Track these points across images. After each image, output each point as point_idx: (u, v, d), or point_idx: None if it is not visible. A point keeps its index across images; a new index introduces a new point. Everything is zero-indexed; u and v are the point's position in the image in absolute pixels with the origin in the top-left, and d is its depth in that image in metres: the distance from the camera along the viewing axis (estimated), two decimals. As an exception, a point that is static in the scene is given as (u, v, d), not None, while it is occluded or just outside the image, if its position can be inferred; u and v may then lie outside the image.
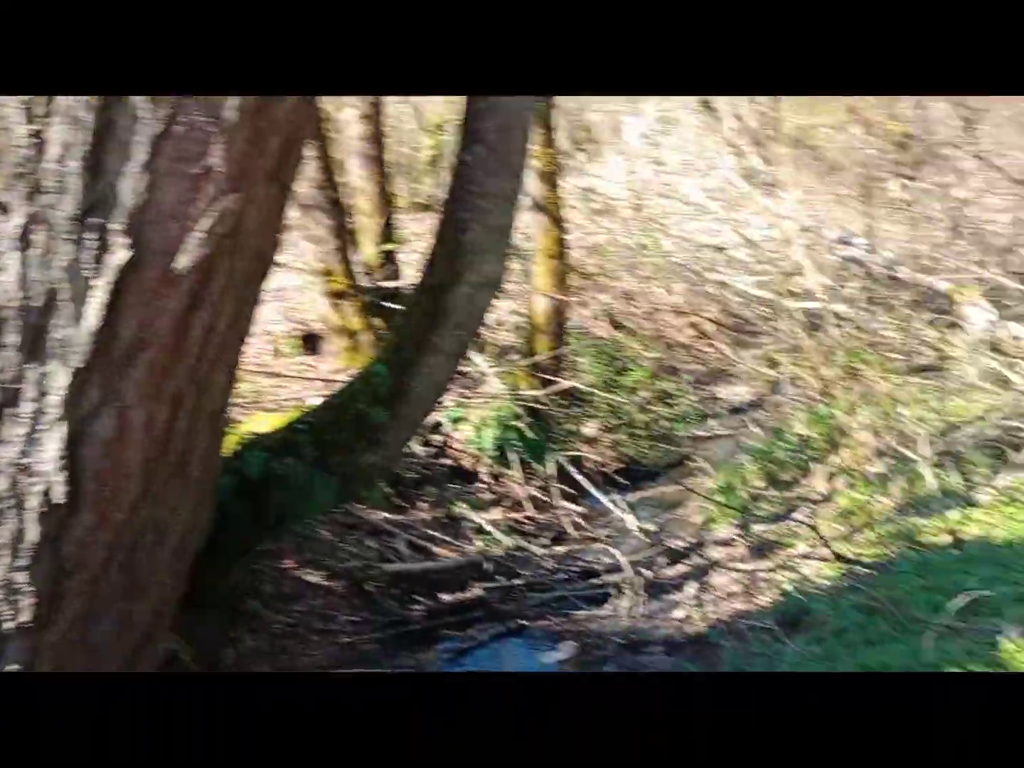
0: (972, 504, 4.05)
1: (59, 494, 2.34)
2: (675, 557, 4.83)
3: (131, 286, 2.23)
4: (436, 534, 5.04)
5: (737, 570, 4.40)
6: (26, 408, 2.30)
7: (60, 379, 2.27)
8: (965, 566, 3.72)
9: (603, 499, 5.44)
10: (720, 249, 12.15)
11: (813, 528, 3.83)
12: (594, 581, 4.64)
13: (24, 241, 2.22)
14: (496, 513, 5.46)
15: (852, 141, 15.56)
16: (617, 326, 9.02)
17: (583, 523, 5.42)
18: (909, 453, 4.71)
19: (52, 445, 2.31)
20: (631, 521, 5.26)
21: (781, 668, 3.32)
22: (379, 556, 4.75)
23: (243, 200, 2.26)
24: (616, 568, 4.68)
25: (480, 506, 5.39)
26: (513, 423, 5.71)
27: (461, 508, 5.25)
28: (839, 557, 3.86)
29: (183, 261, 2.24)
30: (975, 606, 3.17)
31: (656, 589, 4.51)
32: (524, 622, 4.29)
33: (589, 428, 6.68)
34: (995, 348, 7.12)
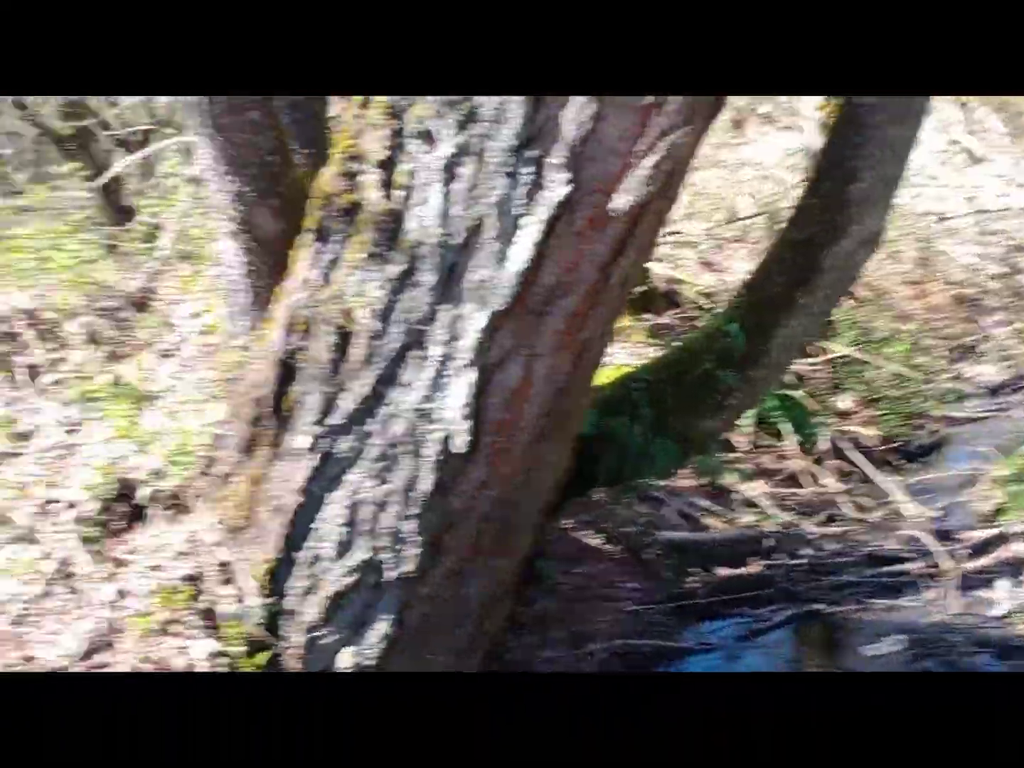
0: None
1: (460, 444, 2.23)
2: (977, 549, 4.42)
3: (561, 226, 2.06)
4: (705, 504, 4.81)
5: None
6: (434, 352, 2.18)
7: (476, 323, 2.13)
8: None
9: (880, 479, 5.07)
10: (945, 218, 11.31)
11: None
12: (891, 568, 4.29)
13: (449, 173, 2.08)
14: (759, 486, 5.17)
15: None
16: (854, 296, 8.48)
17: (866, 504, 5.07)
18: None
19: (458, 392, 2.19)
20: (912, 506, 4.87)
21: None
22: (650, 523, 4.56)
23: (694, 135, 2.05)
24: (913, 556, 4.32)
25: (747, 477, 5.11)
26: (779, 391, 5.38)
27: (729, 479, 4.99)
28: None
29: (620, 201, 2.04)
30: None
31: (963, 582, 4.13)
32: (818, 607, 3.99)
33: (844, 402, 6.27)
34: None
